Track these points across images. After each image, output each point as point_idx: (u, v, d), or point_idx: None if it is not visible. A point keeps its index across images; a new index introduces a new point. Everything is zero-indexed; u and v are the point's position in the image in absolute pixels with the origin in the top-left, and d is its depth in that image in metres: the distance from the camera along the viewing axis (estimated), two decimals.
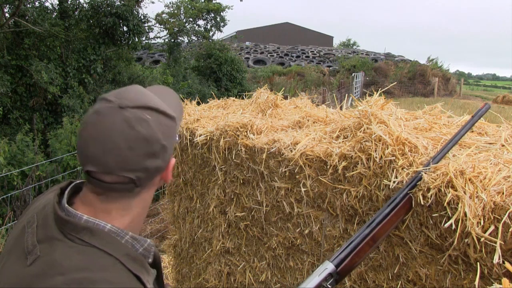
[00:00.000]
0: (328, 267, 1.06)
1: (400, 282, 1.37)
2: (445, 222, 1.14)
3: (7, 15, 8.28)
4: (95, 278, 0.66)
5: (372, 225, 1.13)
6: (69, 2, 9.38)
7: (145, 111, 0.72)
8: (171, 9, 12.87)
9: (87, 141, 0.69)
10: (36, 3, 9.01)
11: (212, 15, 12.95)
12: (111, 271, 0.69)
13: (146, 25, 10.56)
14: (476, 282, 1.07)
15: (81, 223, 0.72)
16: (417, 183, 1.18)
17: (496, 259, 1.03)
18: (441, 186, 1.16)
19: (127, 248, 0.74)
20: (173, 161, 0.80)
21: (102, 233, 0.72)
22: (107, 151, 0.69)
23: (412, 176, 1.23)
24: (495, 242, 1.04)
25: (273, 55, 25.60)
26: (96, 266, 0.68)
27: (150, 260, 0.79)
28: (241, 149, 1.72)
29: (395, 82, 6.82)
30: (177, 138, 0.81)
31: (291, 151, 1.57)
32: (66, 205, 0.74)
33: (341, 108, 1.90)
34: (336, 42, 44.85)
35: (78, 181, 0.81)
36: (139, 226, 0.81)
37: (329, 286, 1.04)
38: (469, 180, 1.13)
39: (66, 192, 0.78)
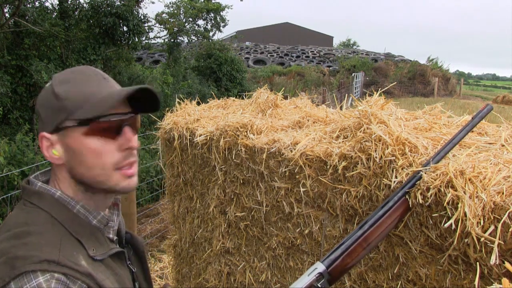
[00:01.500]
0: (318, 267, 1.05)
1: (400, 282, 1.37)
2: (445, 222, 1.14)
3: (7, 15, 8.28)
4: (30, 231, 0.73)
5: (365, 227, 1.10)
6: (69, 2, 9.38)
7: (51, 79, 0.84)
8: (171, 9, 12.88)
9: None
10: (36, 3, 9.01)
11: (212, 15, 12.95)
12: (48, 228, 0.76)
13: (146, 25, 10.57)
14: (476, 282, 1.07)
15: (34, 188, 0.80)
16: (415, 183, 1.16)
17: (493, 260, 1.03)
18: (441, 186, 1.16)
19: (75, 216, 0.80)
20: (42, 134, 0.83)
21: (49, 198, 0.80)
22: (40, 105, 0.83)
23: (410, 176, 1.22)
24: (494, 242, 1.04)
25: (273, 55, 25.60)
26: (35, 222, 0.75)
27: (110, 236, 0.85)
28: (241, 149, 1.72)
29: (395, 82, 6.82)
30: (75, 123, 0.82)
31: (291, 151, 1.57)
32: (32, 178, 0.83)
33: (341, 108, 1.90)
34: (336, 42, 44.88)
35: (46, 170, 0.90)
36: (90, 198, 0.84)
37: (321, 286, 1.02)
38: (469, 180, 1.13)
39: (33, 173, 0.87)
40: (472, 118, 1.32)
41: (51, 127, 0.80)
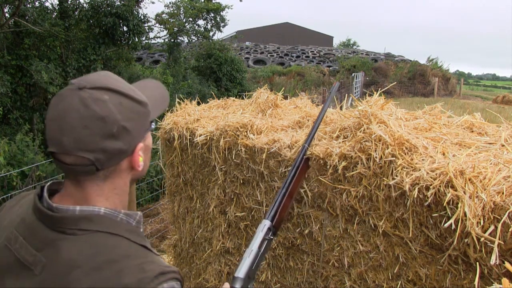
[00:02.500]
0: (266, 223, 1.33)
1: (400, 282, 1.37)
2: (445, 222, 1.14)
3: (7, 15, 8.28)
4: (113, 258, 0.68)
5: (286, 185, 1.42)
6: (69, 2, 9.38)
7: (104, 92, 0.71)
8: (171, 9, 12.87)
9: (47, 123, 0.71)
10: (36, 3, 9.00)
11: (212, 15, 12.94)
12: (123, 247, 0.72)
13: (146, 25, 10.56)
14: (476, 282, 1.07)
15: (76, 214, 0.72)
16: (308, 147, 1.48)
17: (493, 260, 1.03)
18: (440, 186, 1.16)
19: (124, 224, 0.76)
20: (139, 146, 0.77)
21: (99, 217, 0.73)
22: (62, 131, 0.69)
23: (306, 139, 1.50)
24: (494, 242, 1.04)
25: (273, 55, 25.60)
26: (108, 247, 0.70)
27: (141, 230, 0.83)
28: (241, 149, 1.72)
29: (395, 82, 6.82)
30: (152, 125, 0.82)
31: (291, 151, 1.57)
32: (54, 204, 0.73)
33: (341, 108, 1.90)
34: (336, 42, 44.87)
35: (49, 184, 0.80)
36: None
37: (271, 237, 1.32)
38: (469, 180, 1.13)
39: (45, 194, 0.76)
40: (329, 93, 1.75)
41: (142, 135, 0.78)
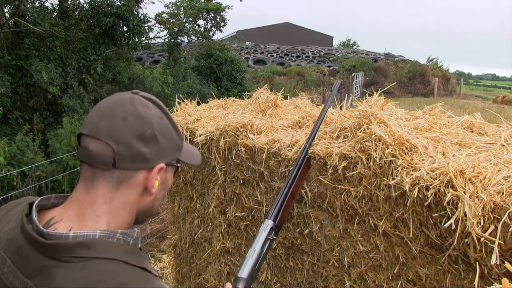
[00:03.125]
0: (269, 223, 1.33)
1: (400, 282, 1.37)
2: (445, 222, 1.14)
3: (7, 15, 8.28)
4: (110, 287, 0.65)
5: (288, 185, 1.43)
6: (69, 2, 9.37)
7: (152, 103, 0.77)
8: (171, 9, 12.86)
9: (93, 109, 0.75)
10: (36, 3, 9.00)
11: (212, 15, 12.93)
12: (121, 274, 0.68)
13: (146, 25, 10.55)
14: (476, 282, 1.07)
15: (71, 241, 0.68)
16: (310, 147, 1.48)
17: (493, 260, 1.03)
18: (440, 186, 1.16)
19: (121, 246, 0.73)
20: (160, 166, 0.77)
21: (94, 242, 0.70)
22: (103, 117, 0.72)
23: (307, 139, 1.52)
24: (495, 242, 1.04)
25: (273, 55, 25.59)
26: (105, 275, 0.67)
27: (139, 246, 0.79)
28: (241, 149, 1.72)
29: (395, 82, 6.82)
30: (178, 164, 0.83)
31: (291, 151, 1.57)
32: (46, 229, 0.69)
33: (341, 108, 1.90)
34: (336, 42, 44.86)
35: (38, 201, 0.76)
36: (127, 227, 0.79)
37: (273, 237, 1.33)
38: (469, 180, 1.13)
39: (34, 216, 0.71)
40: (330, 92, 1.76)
41: (167, 159, 0.79)
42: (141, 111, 0.74)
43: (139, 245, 0.78)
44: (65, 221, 0.72)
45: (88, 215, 0.72)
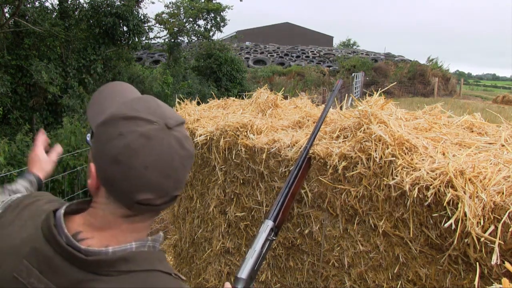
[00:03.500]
0: (269, 224, 1.33)
1: (400, 282, 1.37)
2: (445, 222, 1.14)
3: (7, 15, 8.28)
4: None
5: (289, 186, 1.43)
6: (69, 2, 9.37)
7: (183, 126, 0.73)
8: (171, 9, 12.87)
9: (140, 169, 0.66)
10: (36, 3, 9.00)
11: (212, 15, 12.94)
12: (160, 284, 0.70)
13: (146, 25, 10.56)
14: (476, 282, 1.07)
15: (111, 256, 0.68)
16: (310, 148, 1.48)
17: (494, 260, 1.03)
18: (440, 186, 1.16)
19: (155, 254, 0.74)
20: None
21: (133, 254, 0.70)
22: (168, 176, 0.68)
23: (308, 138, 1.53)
24: (495, 242, 1.04)
25: (273, 55, 25.59)
26: (146, 286, 0.68)
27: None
28: (241, 149, 1.72)
29: (395, 82, 6.82)
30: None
31: (291, 151, 1.57)
32: (84, 245, 0.68)
33: (341, 108, 1.90)
34: (336, 42, 44.87)
35: (62, 209, 0.73)
36: None
37: (273, 238, 1.33)
38: (469, 180, 1.13)
39: (65, 230, 0.69)
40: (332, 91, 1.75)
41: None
42: (190, 149, 0.71)
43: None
44: (99, 239, 0.70)
45: (119, 234, 0.72)
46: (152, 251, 0.74)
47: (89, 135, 0.80)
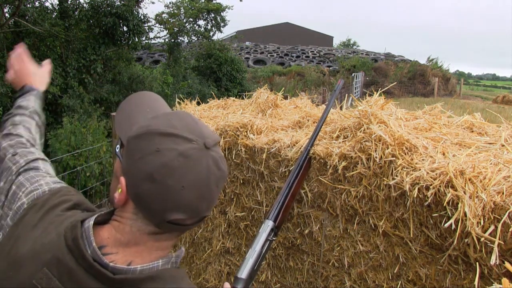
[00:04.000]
0: (269, 224, 1.33)
1: (400, 282, 1.37)
2: (445, 222, 1.14)
3: (7, 15, 8.28)
4: None
5: (289, 186, 1.43)
6: (69, 2, 9.37)
7: (218, 146, 0.71)
8: (171, 9, 12.87)
9: (176, 189, 0.64)
10: (36, 3, 9.00)
11: (212, 15, 12.94)
12: None
13: (146, 25, 10.55)
14: (476, 282, 1.07)
15: (138, 275, 0.66)
16: (313, 145, 1.48)
17: (493, 260, 1.03)
18: (440, 186, 1.16)
19: (176, 271, 0.72)
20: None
21: (160, 274, 0.68)
22: (202, 197, 0.66)
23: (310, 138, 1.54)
24: (494, 242, 1.04)
25: (273, 55, 25.60)
26: None
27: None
28: (241, 149, 1.72)
29: (395, 82, 6.83)
30: None
31: (291, 151, 1.57)
32: (111, 263, 0.66)
33: (341, 108, 1.90)
34: (336, 42, 44.88)
35: (91, 220, 0.71)
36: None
37: (273, 238, 1.33)
38: (469, 180, 1.13)
39: (93, 244, 0.67)
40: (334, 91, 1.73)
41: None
42: (225, 170, 0.70)
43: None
44: (123, 255, 0.69)
45: (144, 251, 0.70)
46: (176, 268, 0.72)
47: (118, 145, 0.76)
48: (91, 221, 0.70)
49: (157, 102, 0.84)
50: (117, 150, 0.77)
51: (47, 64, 1.26)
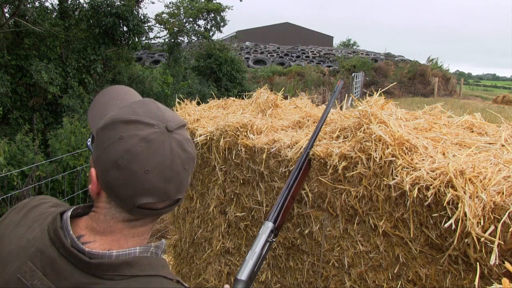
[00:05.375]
0: (269, 225, 1.34)
1: (400, 282, 1.37)
2: (445, 222, 1.14)
3: (7, 15, 8.28)
4: None
5: (289, 187, 1.43)
6: (69, 2, 9.37)
7: (184, 128, 0.72)
8: (171, 9, 12.88)
9: (141, 174, 0.65)
10: (36, 3, 9.00)
11: (212, 15, 12.94)
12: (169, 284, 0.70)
13: (146, 25, 10.55)
14: (476, 282, 1.07)
15: (114, 260, 0.68)
16: (313, 146, 1.48)
17: (493, 260, 1.03)
18: (440, 186, 1.16)
19: (155, 259, 0.73)
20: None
21: (136, 259, 0.70)
22: (169, 180, 0.67)
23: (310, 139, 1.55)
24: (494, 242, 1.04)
25: (273, 55, 25.60)
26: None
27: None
28: (241, 149, 1.72)
29: (395, 82, 6.83)
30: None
31: (291, 151, 1.57)
32: (87, 248, 0.68)
33: (341, 108, 1.90)
34: (336, 42, 44.87)
35: (69, 212, 0.73)
36: None
37: (273, 239, 1.33)
38: (469, 180, 1.13)
39: (71, 232, 0.69)
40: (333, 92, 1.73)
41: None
42: (192, 152, 0.71)
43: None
44: (101, 243, 0.70)
45: (121, 239, 0.72)
46: (155, 258, 0.74)
47: (90, 139, 0.80)
48: (69, 213, 0.73)
49: (127, 94, 0.86)
50: (88, 143, 0.80)
51: None
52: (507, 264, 0.94)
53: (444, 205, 1.14)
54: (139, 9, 10.21)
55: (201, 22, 13.12)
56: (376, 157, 1.31)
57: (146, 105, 0.71)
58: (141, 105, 0.71)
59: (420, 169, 1.22)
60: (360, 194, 1.38)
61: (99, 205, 0.71)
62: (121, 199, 0.67)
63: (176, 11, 12.84)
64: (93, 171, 0.69)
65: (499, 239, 1.05)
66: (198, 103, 2.37)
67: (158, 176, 0.66)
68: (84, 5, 9.38)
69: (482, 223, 1.08)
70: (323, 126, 1.69)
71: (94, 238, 0.71)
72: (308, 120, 1.85)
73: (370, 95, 1.58)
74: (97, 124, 0.73)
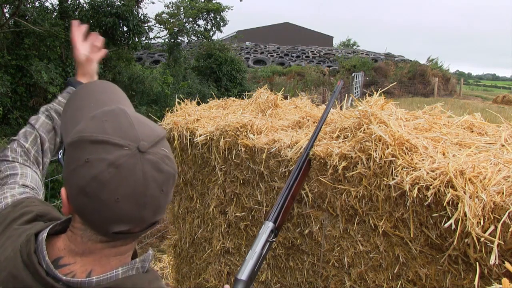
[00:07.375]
0: (269, 225, 1.34)
1: (400, 282, 1.37)
2: (445, 222, 1.14)
3: (7, 15, 8.28)
4: None
5: (289, 187, 1.43)
6: (69, 2, 9.38)
7: (161, 145, 0.65)
8: (171, 9, 12.88)
9: (110, 203, 0.60)
10: (36, 3, 9.00)
11: (212, 15, 12.94)
12: None
13: (146, 25, 10.56)
14: (476, 282, 1.07)
15: (94, 287, 0.63)
16: (313, 146, 1.48)
17: (492, 260, 1.03)
18: (440, 186, 1.16)
19: (140, 277, 0.68)
20: None
21: (119, 284, 0.65)
22: (143, 206, 0.62)
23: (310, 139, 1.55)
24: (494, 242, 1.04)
25: (273, 55, 25.60)
26: None
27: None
28: (241, 149, 1.72)
29: (395, 82, 6.84)
30: None
31: (291, 151, 1.57)
32: (65, 274, 0.63)
33: (341, 108, 1.90)
34: (336, 42, 44.85)
35: (44, 233, 0.67)
36: None
37: (273, 240, 1.33)
38: (469, 180, 1.13)
39: (46, 258, 0.64)
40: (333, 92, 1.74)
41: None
42: (170, 169, 0.65)
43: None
44: (82, 264, 0.66)
45: (102, 259, 0.68)
46: (141, 274, 0.69)
47: (61, 152, 0.72)
48: (44, 234, 0.67)
49: (103, 94, 0.81)
50: (59, 157, 0.73)
51: (97, 39, 1.18)
52: (507, 264, 0.94)
53: (444, 205, 1.14)
54: (139, 9, 10.21)
55: (201, 22, 13.12)
56: (376, 157, 1.31)
57: (117, 119, 0.64)
58: (112, 118, 0.64)
59: (420, 169, 1.22)
60: (360, 194, 1.38)
61: (75, 225, 0.66)
62: (94, 225, 0.63)
63: (176, 11, 12.84)
64: (63, 191, 0.64)
65: (499, 239, 1.05)
66: (198, 103, 2.37)
67: (130, 204, 0.60)
68: (84, 5, 9.39)
69: (482, 223, 1.08)
70: (323, 126, 1.69)
71: (74, 259, 0.66)
72: (308, 120, 1.85)
73: (370, 95, 1.58)
74: (68, 133, 0.68)
